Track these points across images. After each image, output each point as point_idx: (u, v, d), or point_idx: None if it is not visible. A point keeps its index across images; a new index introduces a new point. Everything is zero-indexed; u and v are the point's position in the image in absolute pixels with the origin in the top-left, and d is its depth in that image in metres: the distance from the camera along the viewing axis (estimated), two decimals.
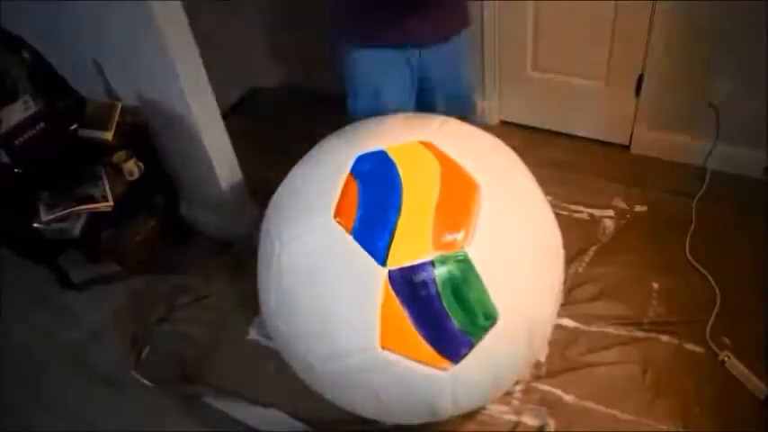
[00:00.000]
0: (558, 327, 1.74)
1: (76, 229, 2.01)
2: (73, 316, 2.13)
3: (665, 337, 1.76)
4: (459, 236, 1.22)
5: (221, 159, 2.13)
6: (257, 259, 1.48)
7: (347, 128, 1.50)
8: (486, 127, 1.61)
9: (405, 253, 1.21)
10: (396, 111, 1.61)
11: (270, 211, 1.48)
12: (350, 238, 1.23)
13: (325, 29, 1.60)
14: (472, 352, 1.24)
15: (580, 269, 1.97)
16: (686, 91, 2.15)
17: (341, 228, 1.25)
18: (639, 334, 1.78)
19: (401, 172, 1.29)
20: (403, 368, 1.24)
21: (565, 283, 1.66)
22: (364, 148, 1.36)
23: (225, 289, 2.11)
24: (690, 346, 1.73)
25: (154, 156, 2.19)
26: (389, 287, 1.20)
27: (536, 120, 2.56)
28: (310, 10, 2.48)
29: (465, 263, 1.21)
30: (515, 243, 1.30)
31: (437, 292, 1.20)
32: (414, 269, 1.20)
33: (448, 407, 1.36)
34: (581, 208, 2.19)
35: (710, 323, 1.76)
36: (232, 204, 2.24)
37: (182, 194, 2.35)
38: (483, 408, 1.64)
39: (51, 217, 1.97)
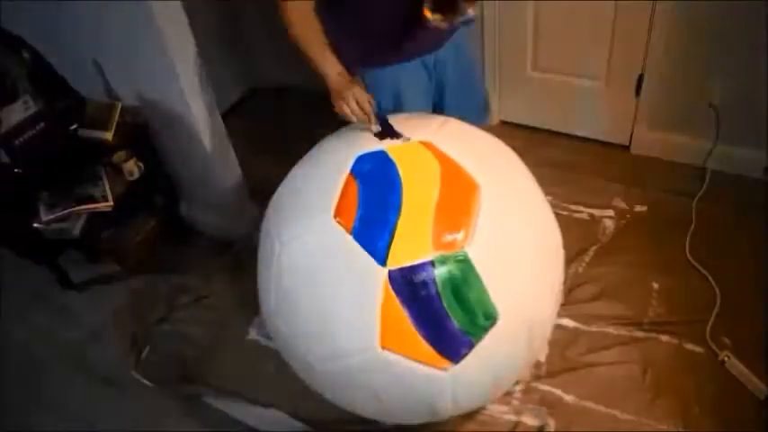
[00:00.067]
0: (558, 327, 1.74)
1: (76, 229, 2.01)
2: (73, 316, 2.13)
3: (665, 337, 1.76)
4: (459, 236, 1.22)
5: (221, 159, 2.13)
6: (257, 259, 1.48)
7: (347, 128, 1.50)
8: (486, 127, 1.61)
9: (405, 253, 1.21)
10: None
11: (270, 211, 1.48)
12: (350, 238, 1.23)
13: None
14: (472, 352, 1.24)
15: (580, 269, 1.97)
16: (686, 91, 2.15)
17: (341, 228, 1.25)
18: (639, 334, 1.78)
19: (401, 172, 1.29)
20: (403, 368, 1.24)
21: (565, 283, 1.66)
22: (364, 148, 1.36)
23: (225, 289, 2.11)
24: (690, 346, 1.73)
25: (154, 156, 2.19)
26: (389, 287, 1.20)
27: (536, 120, 2.56)
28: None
29: (465, 263, 1.21)
30: (515, 243, 1.30)
31: (437, 292, 1.20)
32: (414, 269, 1.20)
33: (448, 407, 1.36)
34: (581, 208, 2.19)
35: (710, 323, 1.76)
36: (232, 204, 2.24)
37: (182, 194, 2.35)
38: (483, 408, 1.64)
39: (51, 217, 1.97)
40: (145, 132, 2.14)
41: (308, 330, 1.31)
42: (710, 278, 1.87)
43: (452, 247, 1.22)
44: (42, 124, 1.95)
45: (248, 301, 1.75)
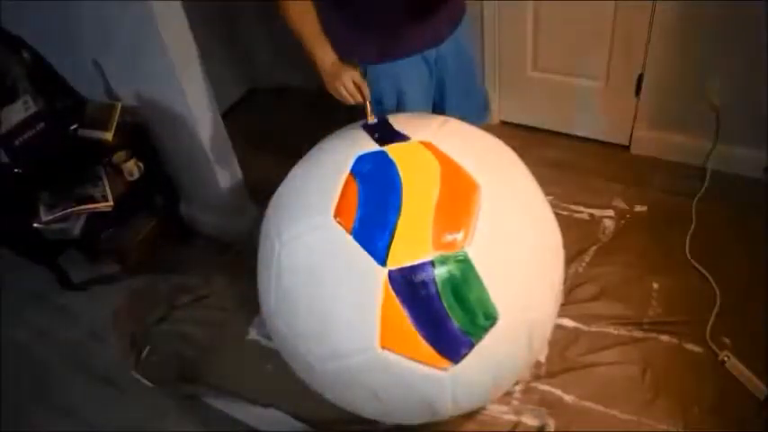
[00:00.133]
0: (558, 327, 1.74)
1: (76, 229, 2.01)
2: (73, 316, 2.13)
3: (664, 337, 1.76)
4: (459, 236, 1.22)
5: (221, 159, 2.13)
6: (257, 259, 1.48)
7: (347, 128, 1.50)
8: (487, 127, 1.61)
9: (405, 253, 1.21)
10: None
11: (270, 211, 1.48)
12: (350, 238, 1.23)
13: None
14: (472, 352, 1.24)
15: (580, 269, 1.97)
16: (686, 91, 2.15)
17: (341, 228, 1.25)
18: (639, 334, 1.78)
19: (401, 172, 1.29)
20: (403, 368, 1.24)
21: (565, 283, 1.66)
22: (364, 148, 1.36)
23: (225, 289, 2.11)
24: (690, 346, 1.73)
25: (154, 156, 2.19)
26: (389, 287, 1.20)
27: (536, 120, 2.56)
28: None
29: (465, 263, 1.21)
30: (515, 243, 1.30)
31: (437, 292, 1.20)
32: (414, 269, 1.20)
33: (448, 407, 1.36)
34: (581, 208, 2.19)
35: (710, 323, 1.76)
36: (232, 204, 2.24)
37: (182, 194, 2.35)
38: (483, 408, 1.64)
39: (51, 217, 1.97)
40: (145, 132, 2.14)
41: (307, 330, 1.31)
42: (710, 278, 1.87)
43: (452, 247, 1.22)
44: (42, 124, 1.95)
45: (248, 301, 1.75)
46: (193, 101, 1.95)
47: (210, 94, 2.00)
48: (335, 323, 1.26)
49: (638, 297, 1.87)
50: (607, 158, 2.39)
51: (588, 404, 1.64)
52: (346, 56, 1.52)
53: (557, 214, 1.49)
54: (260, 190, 1.97)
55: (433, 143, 1.35)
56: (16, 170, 1.92)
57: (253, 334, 1.95)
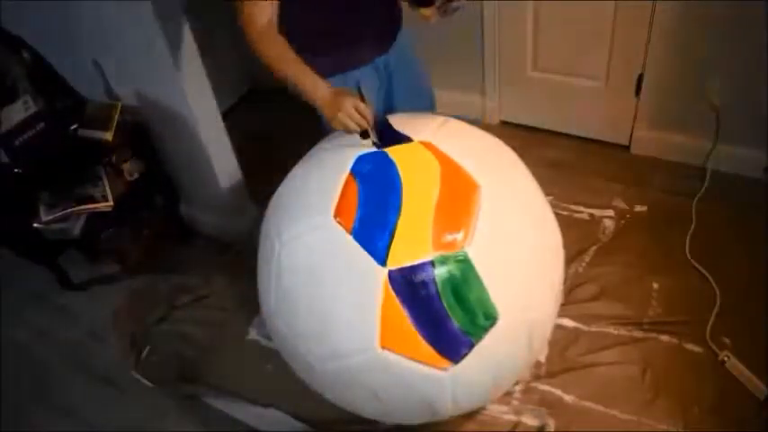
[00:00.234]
0: (558, 327, 1.74)
1: (76, 229, 2.01)
2: (73, 316, 2.13)
3: (664, 337, 1.76)
4: (459, 236, 1.22)
5: (221, 159, 2.13)
6: (257, 259, 1.48)
7: None
8: (486, 127, 1.61)
9: (405, 253, 1.21)
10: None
11: (270, 211, 1.48)
12: (350, 238, 1.23)
13: None
14: (472, 352, 1.24)
15: (580, 269, 1.97)
16: (686, 91, 2.15)
17: (341, 228, 1.25)
18: (639, 334, 1.78)
19: (401, 172, 1.29)
20: (403, 368, 1.24)
21: (565, 283, 1.66)
22: (364, 148, 1.36)
23: (225, 289, 2.11)
24: (690, 346, 1.73)
25: (154, 156, 2.19)
26: (389, 287, 1.20)
27: (536, 120, 2.56)
28: None
29: (465, 263, 1.21)
30: (515, 243, 1.30)
31: (437, 292, 1.20)
32: (414, 269, 1.20)
33: (448, 407, 1.36)
34: (581, 208, 2.19)
35: (710, 323, 1.76)
36: (232, 204, 2.24)
37: (182, 194, 2.35)
38: (483, 408, 1.64)
39: (51, 217, 1.97)
40: (145, 132, 2.14)
41: (307, 330, 1.31)
42: (710, 278, 1.87)
43: (452, 247, 1.22)
44: (42, 124, 1.95)
45: (248, 301, 1.75)
46: (193, 101, 1.95)
47: (210, 94, 2.00)
48: (335, 323, 1.26)
49: (638, 297, 1.87)
50: (607, 158, 2.39)
51: (588, 404, 1.64)
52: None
53: (557, 214, 1.49)
54: (260, 190, 1.97)
55: (433, 143, 1.35)
56: (16, 170, 1.92)
57: (253, 334, 1.95)
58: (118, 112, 2.05)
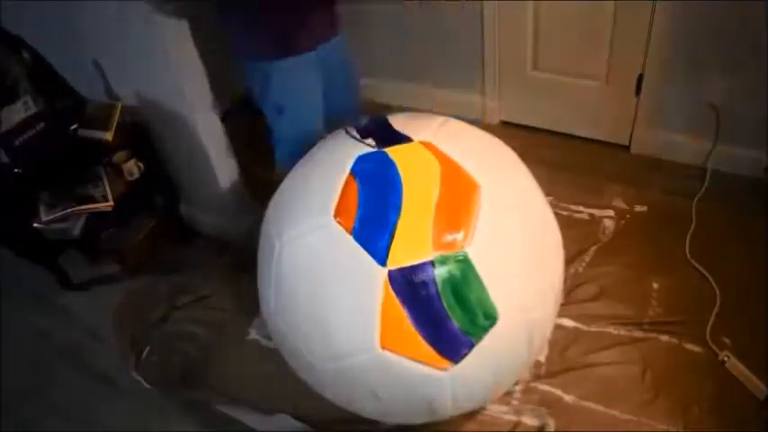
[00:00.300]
0: (558, 327, 1.74)
1: (76, 229, 2.01)
2: (73, 316, 2.13)
3: (664, 337, 1.76)
4: (459, 236, 1.22)
5: (221, 159, 2.13)
6: (257, 259, 1.48)
7: (347, 128, 1.50)
8: (486, 127, 1.61)
9: (405, 253, 1.21)
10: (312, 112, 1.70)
11: (270, 211, 1.48)
12: (350, 238, 1.23)
13: None
14: (472, 352, 1.24)
15: (580, 269, 1.97)
16: (686, 91, 2.15)
17: (341, 228, 1.25)
18: (639, 334, 1.78)
19: (401, 172, 1.29)
20: (403, 368, 1.24)
21: (565, 283, 1.66)
22: (364, 148, 1.36)
23: (225, 289, 2.11)
24: (690, 346, 1.73)
25: (154, 156, 2.19)
26: (389, 287, 1.20)
27: (536, 120, 2.56)
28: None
29: (465, 263, 1.21)
30: (515, 243, 1.30)
31: (437, 292, 1.20)
32: (414, 269, 1.20)
33: (448, 407, 1.36)
34: (581, 208, 2.19)
35: (710, 323, 1.76)
36: (232, 204, 2.24)
37: (182, 194, 2.35)
38: (483, 408, 1.64)
39: (51, 217, 1.97)
40: (145, 132, 2.14)
41: (308, 330, 1.31)
42: (710, 278, 1.87)
43: (452, 247, 1.22)
44: (42, 124, 1.95)
45: (248, 301, 1.74)
46: (193, 101, 1.95)
47: (210, 95, 2.00)
48: (335, 323, 1.26)
49: (638, 297, 1.87)
50: (607, 158, 2.39)
51: (588, 404, 1.64)
52: (245, 53, 1.55)
53: (557, 214, 1.49)
54: (260, 190, 1.97)
55: (433, 143, 1.35)
56: (16, 170, 1.92)
57: (253, 334, 1.95)
58: (118, 112, 2.05)
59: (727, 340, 1.72)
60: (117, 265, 2.26)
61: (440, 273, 1.20)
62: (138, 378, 1.87)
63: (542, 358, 1.74)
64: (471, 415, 1.62)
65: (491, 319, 1.23)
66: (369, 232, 1.23)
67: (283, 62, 1.60)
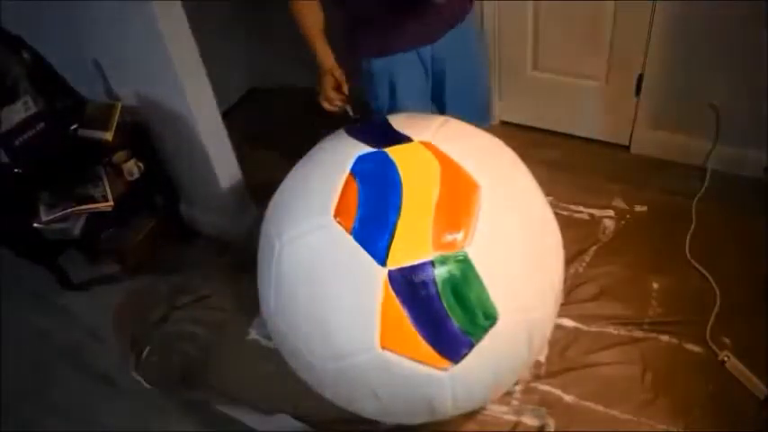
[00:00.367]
0: (558, 327, 1.74)
1: (76, 229, 2.01)
2: (73, 316, 2.13)
3: (664, 337, 1.76)
4: (459, 236, 1.22)
5: (221, 159, 2.13)
6: (257, 259, 1.48)
7: (347, 128, 1.50)
8: (486, 127, 1.61)
9: (405, 253, 1.21)
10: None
11: (270, 211, 1.48)
12: (350, 238, 1.23)
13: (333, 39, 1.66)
14: (472, 352, 1.24)
15: (580, 269, 1.97)
16: (686, 91, 2.15)
17: (341, 228, 1.25)
18: (639, 334, 1.78)
19: (401, 172, 1.29)
20: (403, 368, 1.24)
21: (565, 282, 1.66)
22: (364, 148, 1.36)
23: (225, 289, 2.11)
24: (690, 346, 1.73)
25: (154, 156, 2.19)
26: (389, 287, 1.20)
27: (536, 120, 2.56)
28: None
29: (465, 263, 1.21)
30: (515, 243, 1.30)
31: (437, 292, 1.20)
32: (414, 269, 1.20)
33: (448, 407, 1.36)
34: (581, 208, 2.19)
35: (710, 323, 1.76)
36: (232, 204, 2.24)
37: (182, 194, 2.35)
38: (483, 408, 1.64)
39: (51, 217, 1.97)
40: (145, 132, 2.14)
41: (307, 330, 1.31)
42: (710, 278, 1.87)
43: (452, 247, 1.22)
44: (42, 124, 1.95)
45: (248, 301, 1.74)
46: (193, 101, 1.94)
47: (210, 94, 2.00)
48: (335, 323, 1.26)
49: (638, 297, 1.87)
50: (607, 158, 2.39)
51: (588, 404, 1.64)
52: (348, 50, 1.58)
53: (557, 214, 1.49)
54: (260, 190, 1.97)
55: (433, 143, 1.35)
56: (16, 170, 1.92)
57: (253, 334, 1.95)
58: (118, 112, 2.05)
59: (727, 340, 1.72)
60: (117, 265, 2.26)
61: (440, 273, 1.20)
62: (138, 378, 1.87)
63: (542, 358, 1.74)
64: (471, 415, 1.62)
65: (491, 319, 1.23)
66: (369, 232, 1.23)
67: (379, 61, 1.65)
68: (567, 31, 2.25)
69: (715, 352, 1.70)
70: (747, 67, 1.99)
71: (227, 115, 2.31)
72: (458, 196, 1.26)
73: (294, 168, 1.49)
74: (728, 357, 1.66)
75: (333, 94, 1.61)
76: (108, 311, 2.11)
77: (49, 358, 2.01)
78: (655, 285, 1.90)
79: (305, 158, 1.50)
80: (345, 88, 1.60)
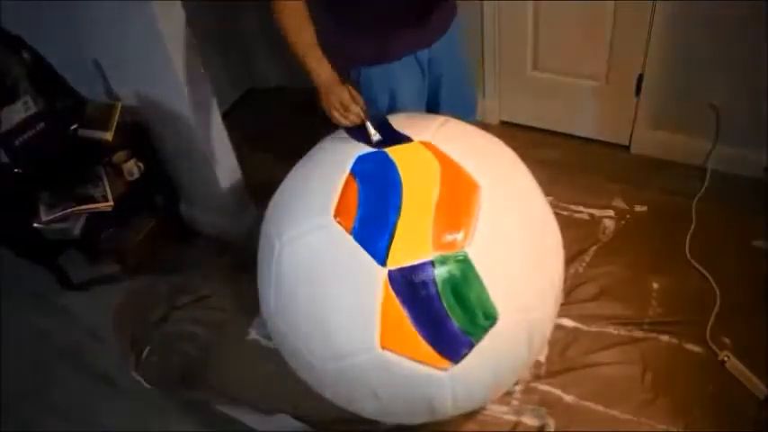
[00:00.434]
0: (558, 327, 1.74)
1: (76, 229, 2.01)
2: (73, 316, 2.13)
3: (664, 337, 1.76)
4: (459, 236, 1.23)
5: (221, 159, 2.13)
6: (257, 259, 1.48)
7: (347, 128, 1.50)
8: (486, 127, 1.61)
9: (405, 253, 1.21)
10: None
11: (270, 211, 1.48)
12: (350, 238, 1.23)
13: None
14: (472, 352, 1.24)
15: (580, 269, 1.97)
16: (686, 91, 2.15)
17: (341, 228, 1.25)
18: (639, 334, 1.78)
19: (401, 172, 1.29)
20: (403, 368, 1.24)
21: (565, 282, 1.66)
22: (364, 148, 1.36)
23: (225, 289, 2.11)
24: (690, 346, 1.73)
25: (154, 156, 2.19)
26: (389, 287, 1.20)
27: (536, 120, 2.56)
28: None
29: (465, 263, 1.21)
30: (515, 243, 1.30)
31: (437, 292, 1.20)
32: (414, 269, 1.20)
33: (448, 407, 1.36)
34: (581, 208, 2.19)
35: (710, 323, 1.76)
36: (232, 204, 2.24)
37: (182, 194, 2.35)
38: (483, 408, 1.64)
39: (51, 217, 1.97)
40: (145, 132, 2.14)
41: (307, 330, 1.31)
42: (710, 278, 1.87)
43: (452, 247, 1.22)
44: (42, 124, 1.95)
45: (248, 301, 1.75)
46: (193, 101, 1.94)
47: (210, 94, 2.00)
48: (335, 323, 1.26)
49: (638, 297, 1.87)
50: (607, 158, 2.39)
51: (588, 404, 1.64)
52: (343, 59, 1.52)
53: (557, 214, 1.49)
54: (260, 190, 1.97)
55: (433, 143, 1.35)
56: (16, 170, 1.92)
57: (253, 334, 1.95)
58: (118, 112, 2.04)
59: (727, 340, 1.72)
60: (117, 265, 2.26)
61: (440, 273, 1.20)
62: (138, 378, 1.87)
63: (542, 358, 1.74)
64: (471, 415, 1.62)
65: (491, 318, 1.23)
66: (369, 232, 1.23)
67: (378, 69, 1.60)
68: (567, 31, 2.25)
69: (715, 352, 1.70)
70: (747, 67, 1.99)
71: (226, 115, 2.32)
72: (458, 196, 1.27)
73: (294, 168, 1.50)
74: (728, 357, 1.67)
75: (352, 107, 1.42)
76: (108, 311, 2.11)
77: (49, 358, 2.01)
78: (655, 285, 1.90)
79: (305, 158, 1.50)
80: (359, 99, 1.45)
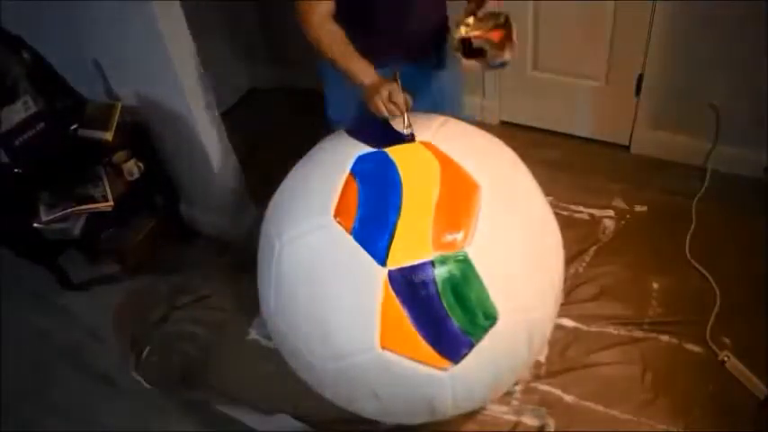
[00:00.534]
0: (558, 327, 1.74)
1: (76, 229, 2.01)
2: (73, 316, 2.13)
3: (664, 337, 1.76)
4: (459, 236, 1.23)
5: (221, 159, 2.13)
6: (257, 259, 1.48)
7: (347, 128, 1.50)
8: (486, 127, 1.61)
9: (405, 253, 1.21)
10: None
11: (270, 211, 1.48)
12: (350, 238, 1.23)
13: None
14: (472, 352, 1.24)
15: (580, 269, 1.97)
16: (686, 91, 2.15)
17: (341, 228, 1.25)
18: (639, 334, 1.78)
19: (401, 172, 1.29)
20: (403, 368, 1.24)
21: (565, 282, 1.66)
22: (364, 148, 1.36)
23: (225, 289, 2.11)
24: (690, 346, 1.73)
25: (154, 156, 2.19)
26: (389, 287, 1.20)
27: (536, 120, 2.56)
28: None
29: (465, 263, 1.21)
30: (515, 243, 1.30)
31: (437, 292, 1.20)
32: (414, 269, 1.20)
33: (448, 407, 1.36)
34: (581, 208, 2.19)
35: (710, 323, 1.76)
36: (232, 204, 2.24)
37: (182, 194, 2.35)
38: (483, 408, 1.64)
39: (51, 217, 1.97)
40: (145, 132, 2.14)
41: (308, 330, 1.31)
42: (710, 278, 1.87)
43: (452, 247, 1.22)
44: (42, 124, 1.95)
45: (248, 301, 1.74)
46: (193, 101, 1.95)
47: (210, 94, 2.00)
48: (336, 323, 1.26)
49: (638, 297, 1.87)
50: (607, 158, 2.39)
51: (588, 404, 1.64)
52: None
53: (557, 214, 1.49)
54: (260, 190, 1.97)
55: (433, 143, 1.35)
56: (16, 170, 1.92)
57: (253, 334, 1.95)
58: (118, 112, 2.04)
59: (727, 340, 1.72)
60: (117, 265, 2.26)
61: (440, 273, 1.20)
62: (138, 378, 1.87)
63: (542, 358, 1.74)
64: (471, 415, 1.62)
65: (491, 318, 1.23)
66: (369, 232, 1.23)
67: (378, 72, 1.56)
68: (567, 31, 2.25)
69: (715, 352, 1.70)
70: (747, 67, 1.99)
71: (227, 115, 2.31)
72: (458, 196, 1.27)
73: (294, 168, 1.49)
74: (728, 357, 1.67)
75: (398, 100, 1.40)
76: (108, 311, 2.11)
77: (49, 358, 2.01)
78: (655, 285, 1.90)
79: (305, 158, 1.50)
80: (401, 99, 1.42)
